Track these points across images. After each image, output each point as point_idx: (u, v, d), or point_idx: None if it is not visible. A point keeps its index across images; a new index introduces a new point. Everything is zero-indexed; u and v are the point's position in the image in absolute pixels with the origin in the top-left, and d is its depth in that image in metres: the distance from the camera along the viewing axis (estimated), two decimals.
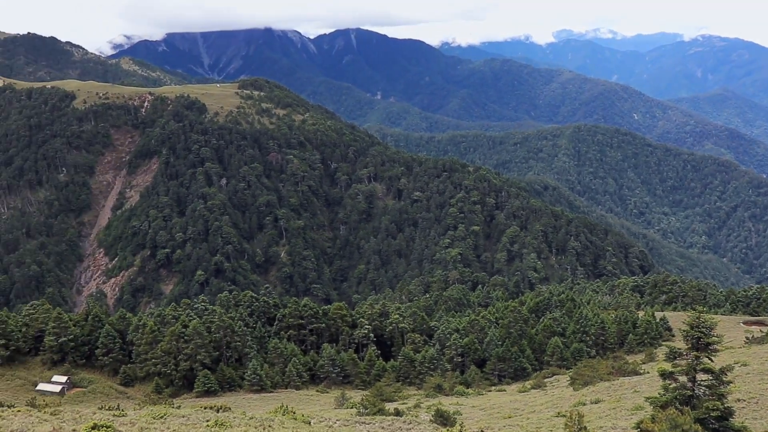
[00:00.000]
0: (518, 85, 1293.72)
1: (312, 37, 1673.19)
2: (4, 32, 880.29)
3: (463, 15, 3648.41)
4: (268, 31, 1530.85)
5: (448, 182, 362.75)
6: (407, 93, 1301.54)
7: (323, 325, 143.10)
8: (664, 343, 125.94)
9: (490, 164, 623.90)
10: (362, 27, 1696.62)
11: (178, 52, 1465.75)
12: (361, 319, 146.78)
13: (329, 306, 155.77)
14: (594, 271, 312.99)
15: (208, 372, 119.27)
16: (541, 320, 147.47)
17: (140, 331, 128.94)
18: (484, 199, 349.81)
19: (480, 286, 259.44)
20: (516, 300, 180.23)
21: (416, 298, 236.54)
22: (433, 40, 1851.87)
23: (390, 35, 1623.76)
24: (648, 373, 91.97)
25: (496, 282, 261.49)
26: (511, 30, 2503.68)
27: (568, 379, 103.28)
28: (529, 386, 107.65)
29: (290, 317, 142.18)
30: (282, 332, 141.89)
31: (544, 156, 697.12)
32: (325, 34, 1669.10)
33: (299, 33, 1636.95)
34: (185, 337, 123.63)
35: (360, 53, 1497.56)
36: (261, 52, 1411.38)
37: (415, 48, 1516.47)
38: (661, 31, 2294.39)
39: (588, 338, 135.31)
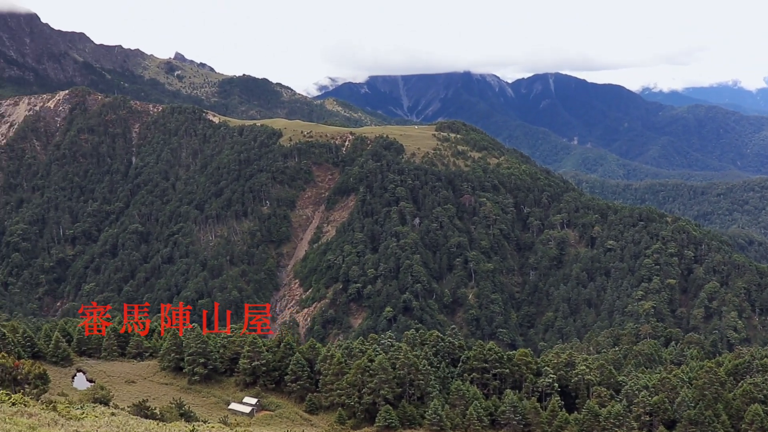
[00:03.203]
0: (724, 133, 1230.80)
1: (510, 81, 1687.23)
2: (222, 74, 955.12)
3: (668, 59, 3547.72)
4: (466, 75, 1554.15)
5: (644, 232, 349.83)
6: (605, 139, 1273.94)
7: (507, 370, 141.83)
8: None
9: (690, 215, 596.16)
10: (561, 71, 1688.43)
11: (379, 94, 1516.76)
12: (546, 367, 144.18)
13: (514, 352, 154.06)
14: None
15: (390, 408, 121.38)
16: (740, 384, 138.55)
17: (328, 361, 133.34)
18: (682, 251, 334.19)
19: (673, 342, 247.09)
20: (713, 360, 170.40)
21: (604, 350, 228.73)
22: (634, 85, 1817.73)
23: (589, 80, 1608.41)
24: None
25: (691, 339, 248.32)
26: (717, 75, 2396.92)
27: None
28: None
29: (474, 360, 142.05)
30: (465, 374, 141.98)
31: (750, 208, 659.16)
32: (523, 79, 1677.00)
33: (497, 77, 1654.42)
34: (370, 372, 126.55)
35: (557, 98, 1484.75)
36: (459, 95, 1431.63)
37: (614, 93, 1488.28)
38: None
39: None
